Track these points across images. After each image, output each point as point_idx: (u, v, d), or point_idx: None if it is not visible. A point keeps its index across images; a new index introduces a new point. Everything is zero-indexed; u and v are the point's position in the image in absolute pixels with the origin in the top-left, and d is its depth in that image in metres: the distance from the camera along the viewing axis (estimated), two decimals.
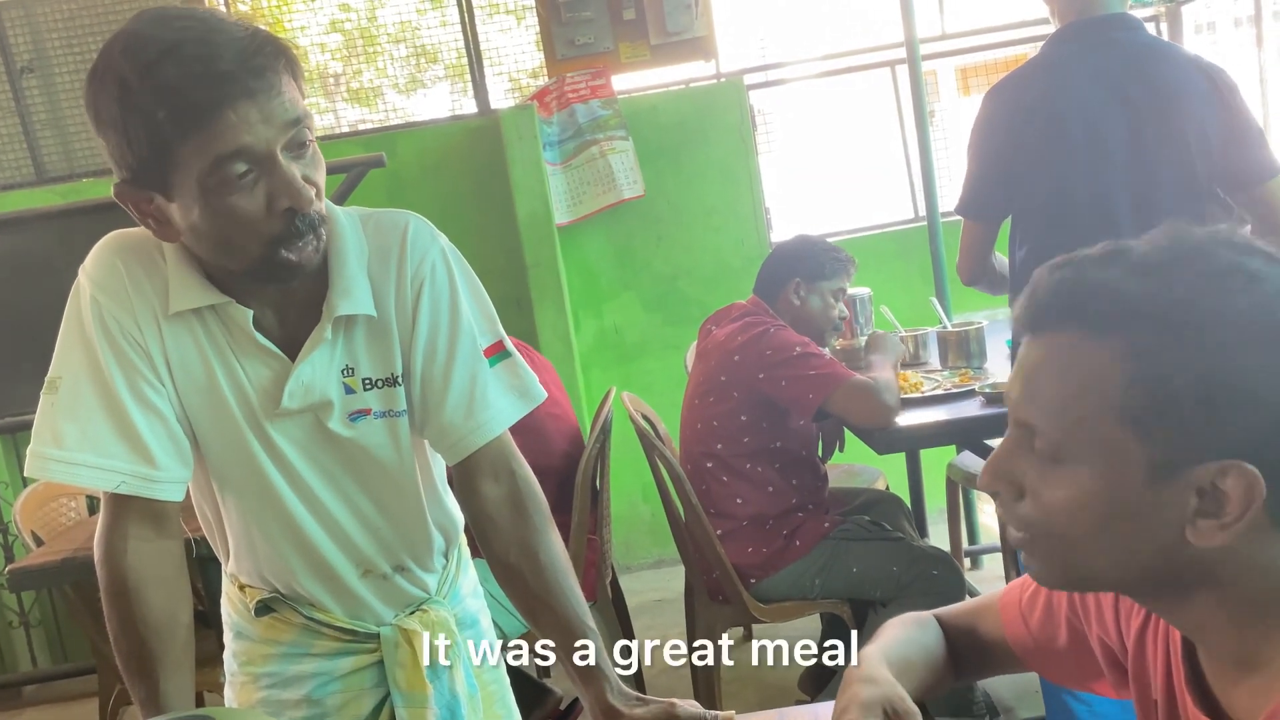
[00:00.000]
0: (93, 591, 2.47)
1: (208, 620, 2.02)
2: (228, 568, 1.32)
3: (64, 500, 2.93)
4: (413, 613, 1.30)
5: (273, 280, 1.12)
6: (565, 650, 1.20)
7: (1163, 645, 0.87)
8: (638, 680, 2.71)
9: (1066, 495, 0.75)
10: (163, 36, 1.00)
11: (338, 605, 1.27)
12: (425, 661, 1.27)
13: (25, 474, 1.14)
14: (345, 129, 4.35)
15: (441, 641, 1.29)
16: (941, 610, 1.12)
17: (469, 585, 1.40)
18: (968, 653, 1.09)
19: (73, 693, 3.59)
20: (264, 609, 1.27)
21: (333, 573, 1.25)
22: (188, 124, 0.99)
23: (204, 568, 2.07)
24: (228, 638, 1.34)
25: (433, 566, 1.32)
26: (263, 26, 1.06)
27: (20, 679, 3.67)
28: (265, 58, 1.02)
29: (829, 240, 2.74)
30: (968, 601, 1.13)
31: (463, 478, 1.25)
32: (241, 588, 1.29)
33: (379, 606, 1.29)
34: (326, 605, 1.27)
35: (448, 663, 1.30)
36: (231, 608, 1.33)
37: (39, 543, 2.65)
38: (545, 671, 3.13)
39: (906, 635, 1.05)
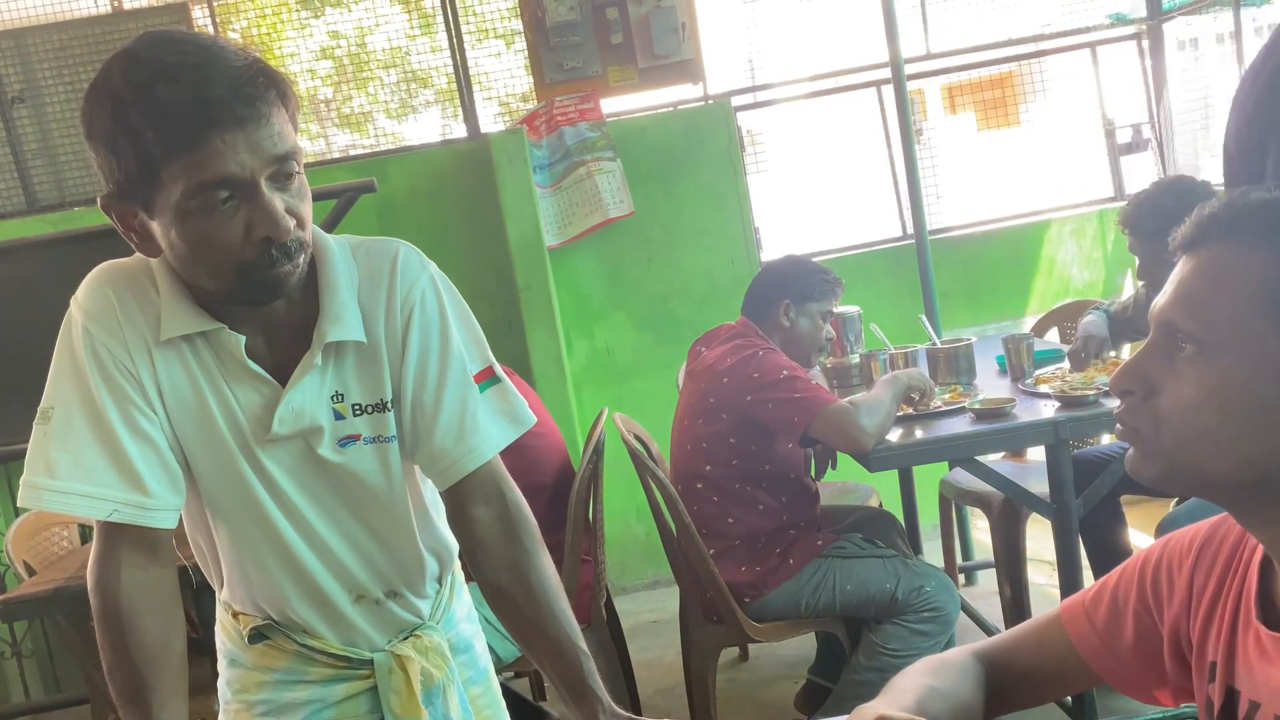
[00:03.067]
0: (85, 621, 2.46)
1: (202, 648, 2.02)
2: (221, 595, 1.32)
3: (56, 530, 2.92)
4: (406, 638, 1.30)
5: (252, 302, 1.13)
6: (558, 673, 1.20)
7: (1232, 603, 0.90)
8: (633, 701, 2.71)
9: (1200, 386, 0.80)
10: (160, 58, 1.02)
11: (331, 631, 1.28)
12: (419, 688, 1.27)
13: (18, 504, 1.14)
14: (336, 154, 4.38)
15: (435, 667, 1.30)
16: (982, 644, 1.11)
17: (463, 610, 1.40)
18: (1018, 681, 1.07)
19: None
20: (257, 636, 1.28)
21: (325, 598, 1.25)
22: (175, 146, 1.01)
23: (198, 595, 2.07)
24: (221, 665, 1.34)
25: (425, 592, 1.32)
26: (261, 57, 1.08)
27: (13, 710, 3.64)
28: (258, 88, 1.03)
29: (817, 260, 2.75)
30: (1012, 630, 1.12)
31: (453, 502, 1.26)
32: (235, 615, 1.30)
33: (372, 632, 1.29)
34: (320, 631, 1.27)
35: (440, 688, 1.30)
36: (225, 635, 1.33)
37: (31, 572, 2.64)
38: (541, 694, 3.12)
39: (921, 684, 1.01)
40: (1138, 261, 2.65)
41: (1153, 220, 2.52)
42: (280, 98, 1.06)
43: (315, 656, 1.28)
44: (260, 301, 1.13)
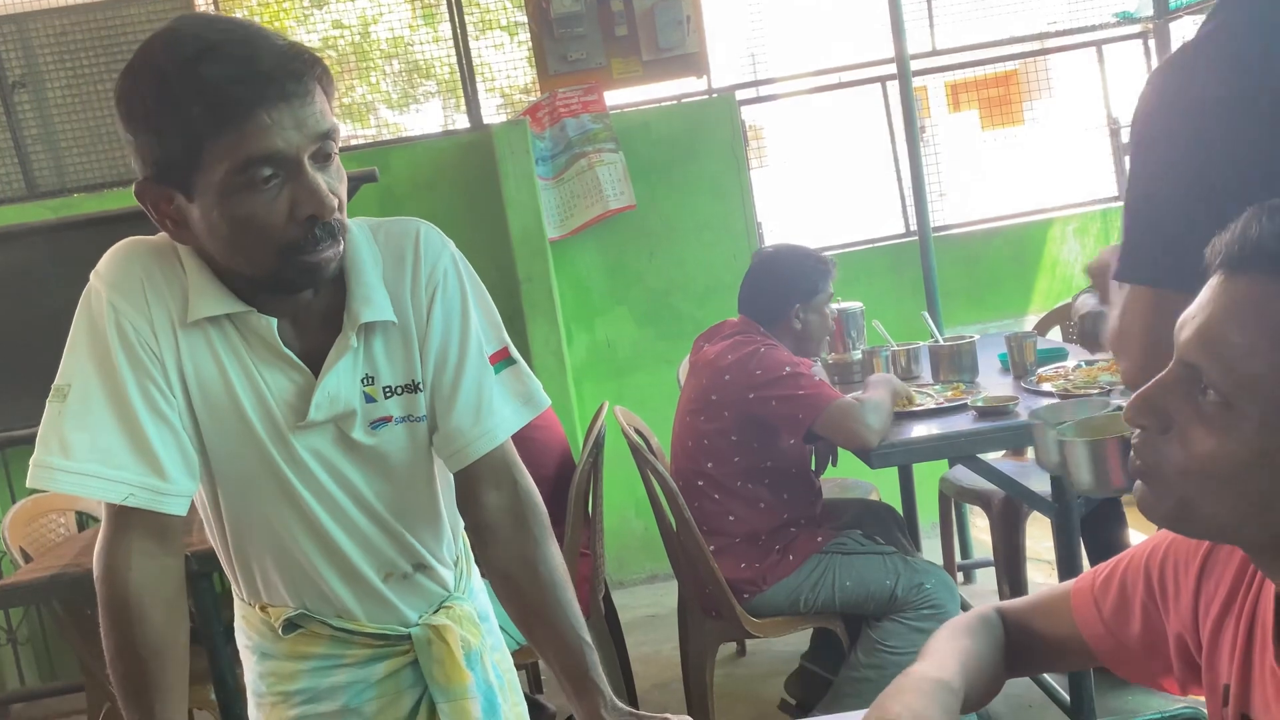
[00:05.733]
0: (82, 608, 2.46)
1: (197, 636, 2.01)
2: (241, 593, 1.29)
3: (53, 516, 2.91)
4: (437, 611, 1.30)
5: (287, 288, 1.12)
6: (560, 664, 1.20)
7: (1244, 627, 0.87)
8: (631, 695, 2.70)
9: (1220, 443, 0.73)
10: (205, 36, 1.02)
11: (364, 610, 1.26)
12: (460, 654, 1.27)
13: (29, 484, 1.11)
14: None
15: (470, 635, 1.30)
16: (1007, 603, 1.11)
17: (479, 581, 1.41)
18: (1032, 647, 1.08)
19: (61, 710, 3.56)
20: (291, 626, 1.25)
21: (358, 575, 1.24)
22: (222, 121, 1.00)
23: (195, 584, 2.06)
24: (250, 662, 1.31)
25: (448, 560, 1.32)
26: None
27: (8, 697, 3.64)
28: (304, 64, 1.03)
29: (808, 249, 2.72)
30: (1036, 593, 1.12)
31: (464, 486, 1.25)
32: (263, 608, 1.27)
33: (404, 608, 1.28)
34: (354, 612, 1.25)
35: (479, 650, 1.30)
36: (252, 630, 1.30)
37: (27, 559, 2.63)
38: (539, 687, 3.12)
39: (961, 647, 1.02)
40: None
41: None
42: (323, 78, 1.07)
43: (351, 639, 1.26)
44: (299, 287, 1.12)
